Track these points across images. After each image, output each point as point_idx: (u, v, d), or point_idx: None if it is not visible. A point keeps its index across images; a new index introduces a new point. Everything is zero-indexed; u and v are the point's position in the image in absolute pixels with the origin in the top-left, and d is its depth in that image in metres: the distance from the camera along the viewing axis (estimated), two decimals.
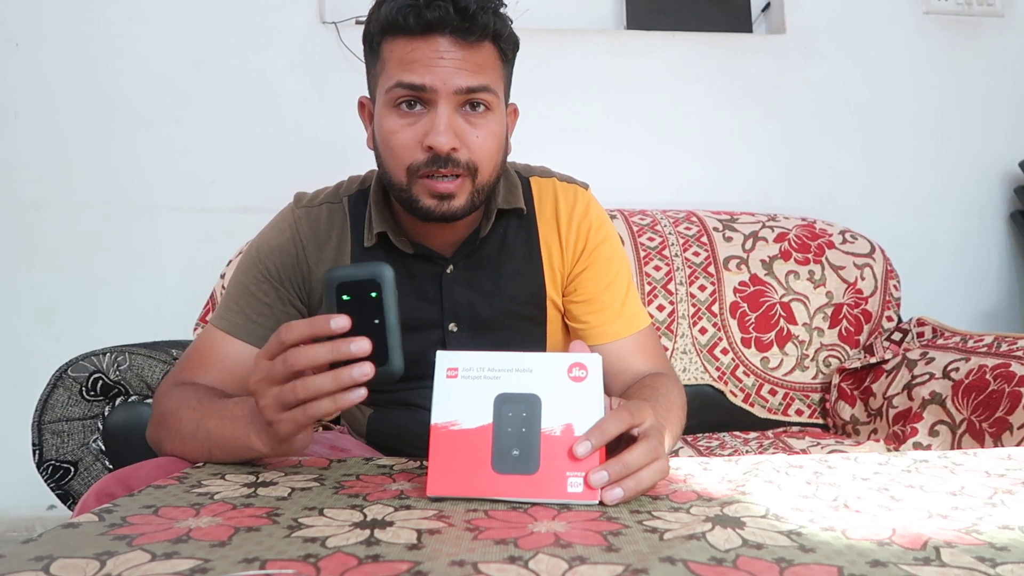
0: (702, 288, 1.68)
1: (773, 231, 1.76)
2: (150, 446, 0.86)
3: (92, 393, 1.07)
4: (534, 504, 0.61)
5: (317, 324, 0.63)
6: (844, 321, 1.69)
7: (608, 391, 0.92)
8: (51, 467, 1.06)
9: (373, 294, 0.64)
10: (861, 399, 1.55)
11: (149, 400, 1.10)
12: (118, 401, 1.08)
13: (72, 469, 1.07)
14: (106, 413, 1.08)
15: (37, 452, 1.06)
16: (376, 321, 0.64)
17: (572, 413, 0.63)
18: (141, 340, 1.24)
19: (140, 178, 1.91)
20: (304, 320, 0.64)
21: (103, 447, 1.07)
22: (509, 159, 1.04)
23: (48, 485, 1.07)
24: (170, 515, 0.58)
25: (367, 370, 0.63)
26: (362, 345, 0.62)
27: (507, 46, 0.88)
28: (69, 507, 1.08)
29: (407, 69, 0.83)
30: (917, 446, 1.31)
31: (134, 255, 1.91)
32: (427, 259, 0.96)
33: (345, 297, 0.64)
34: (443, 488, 0.62)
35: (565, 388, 0.64)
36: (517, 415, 0.63)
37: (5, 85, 1.88)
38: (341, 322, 0.63)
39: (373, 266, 0.65)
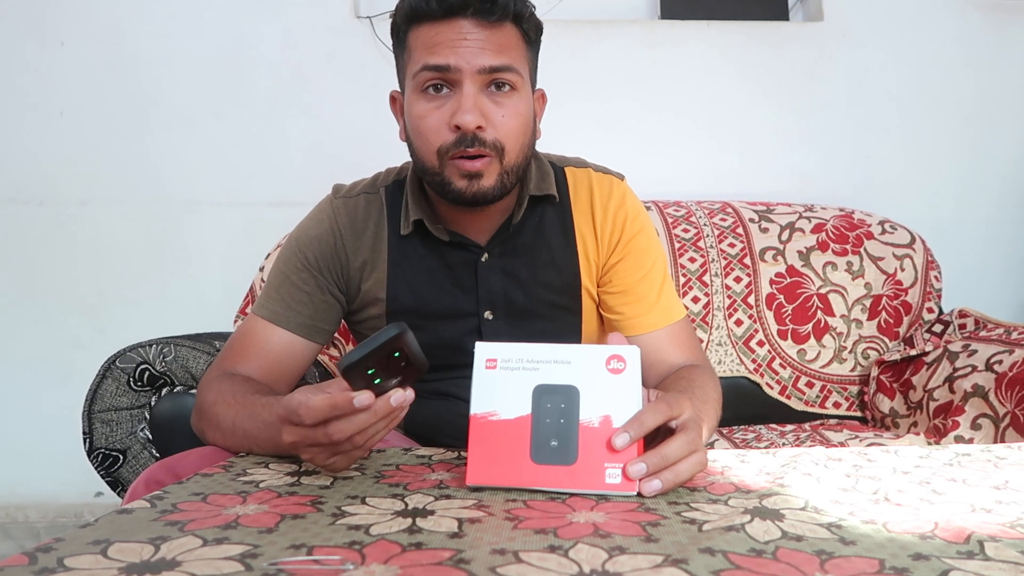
0: (738, 280, 1.67)
1: (810, 222, 1.74)
2: (195, 434, 0.88)
3: (139, 383, 1.10)
4: (572, 495, 0.61)
5: (340, 406, 0.62)
6: (883, 313, 1.66)
7: (643, 383, 0.92)
8: (101, 455, 1.09)
9: (396, 354, 0.63)
10: (901, 392, 1.53)
11: (193, 390, 1.12)
12: (164, 391, 1.11)
13: (121, 457, 1.10)
14: (152, 403, 1.11)
15: (87, 440, 1.09)
16: (403, 364, 0.64)
17: (610, 405, 0.63)
18: (182, 332, 1.27)
19: (181, 173, 1.95)
20: (325, 401, 0.63)
21: (150, 436, 1.10)
22: (543, 149, 1.05)
23: (98, 472, 1.11)
24: (218, 502, 0.60)
25: (410, 396, 0.64)
26: (363, 399, 0.61)
27: (529, 27, 0.90)
28: (119, 494, 1.12)
29: (432, 52, 0.85)
30: (959, 440, 1.29)
31: (175, 249, 1.95)
32: (462, 247, 0.97)
33: (371, 371, 0.62)
34: (482, 478, 0.63)
35: (603, 380, 0.64)
36: (556, 406, 0.64)
37: (51, 84, 1.93)
38: (364, 400, 0.61)
39: (385, 334, 0.62)
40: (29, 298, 1.93)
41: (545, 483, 0.62)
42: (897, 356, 1.56)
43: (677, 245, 1.68)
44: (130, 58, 1.93)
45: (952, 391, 1.37)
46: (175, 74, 1.94)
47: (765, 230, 1.72)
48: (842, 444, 1.38)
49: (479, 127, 0.85)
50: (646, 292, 0.98)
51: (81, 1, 1.93)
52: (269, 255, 1.63)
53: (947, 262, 1.81)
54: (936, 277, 1.70)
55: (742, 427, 1.57)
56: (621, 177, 1.03)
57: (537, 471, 0.62)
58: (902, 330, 1.66)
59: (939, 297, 1.69)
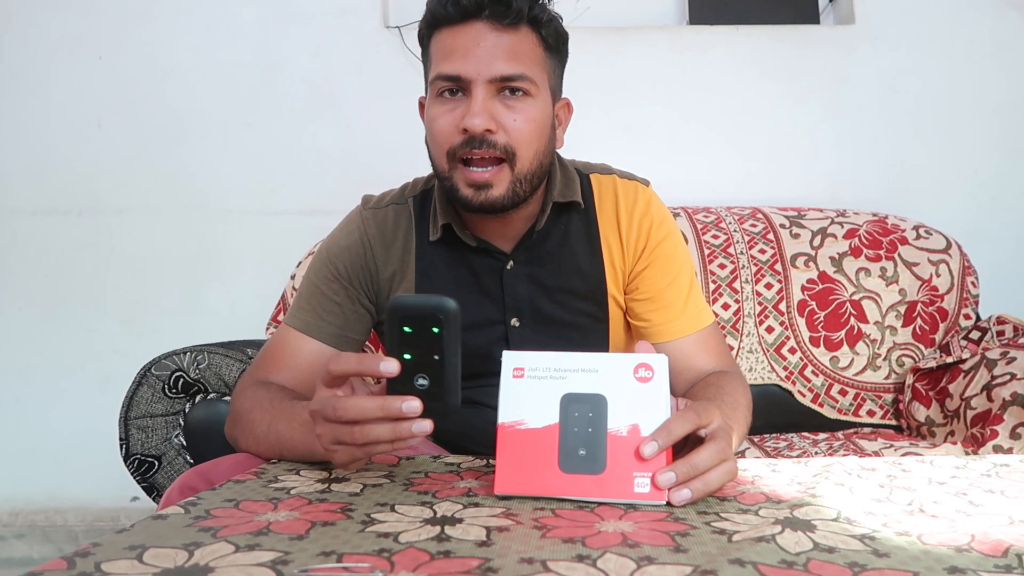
0: (768, 286, 1.65)
1: (843, 227, 1.72)
2: (228, 441, 0.90)
3: (174, 391, 1.12)
4: (600, 504, 0.61)
5: (366, 363, 0.64)
6: (918, 319, 1.63)
7: (672, 390, 0.92)
8: (137, 460, 1.11)
9: (435, 329, 0.63)
10: (937, 400, 1.50)
11: (227, 398, 1.14)
12: (198, 398, 1.13)
13: (156, 463, 1.12)
14: (187, 410, 1.13)
15: (124, 446, 1.11)
16: (436, 357, 0.63)
17: (638, 414, 0.63)
18: (216, 339, 1.29)
19: (214, 183, 1.98)
20: (354, 355, 0.65)
21: (184, 442, 1.12)
22: (568, 156, 1.05)
23: (134, 478, 1.13)
24: (250, 508, 0.61)
25: (427, 427, 0.63)
26: (413, 405, 0.62)
27: (548, 33, 0.90)
28: (153, 499, 1.14)
29: (446, 60, 0.87)
30: (997, 449, 1.26)
31: (209, 257, 1.98)
32: (488, 254, 0.97)
33: (407, 329, 0.63)
34: (510, 487, 0.63)
35: (631, 389, 0.64)
36: (583, 415, 0.64)
37: (90, 95, 1.97)
38: (391, 367, 0.62)
39: (438, 300, 0.63)
40: (68, 306, 1.98)
41: (573, 492, 0.62)
42: (933, 363, 1.53)
43: (707, 251, 1.67)
44: (165, 70, 1.98)
45: (990, 399, 1.34)
46: (209, 85, 1.98)
47: (796, 236, 1.70)
48: (876, 453, 1.36)
49: (488, 130, 0.86)
50: (673, 299, 0.97)
51: (118, 15, 1.97)
52: (301, 263, 1.65)
53: (984, 267, 1.77)
54: (973, 283, 1.66)
55: (773, 435, 1.55)
56: (646, 183, 1.03)
57: (565, 480, 0.62)
58: (938, 337, 1.63)
59: (976, 303, 1.66)
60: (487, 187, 0.87)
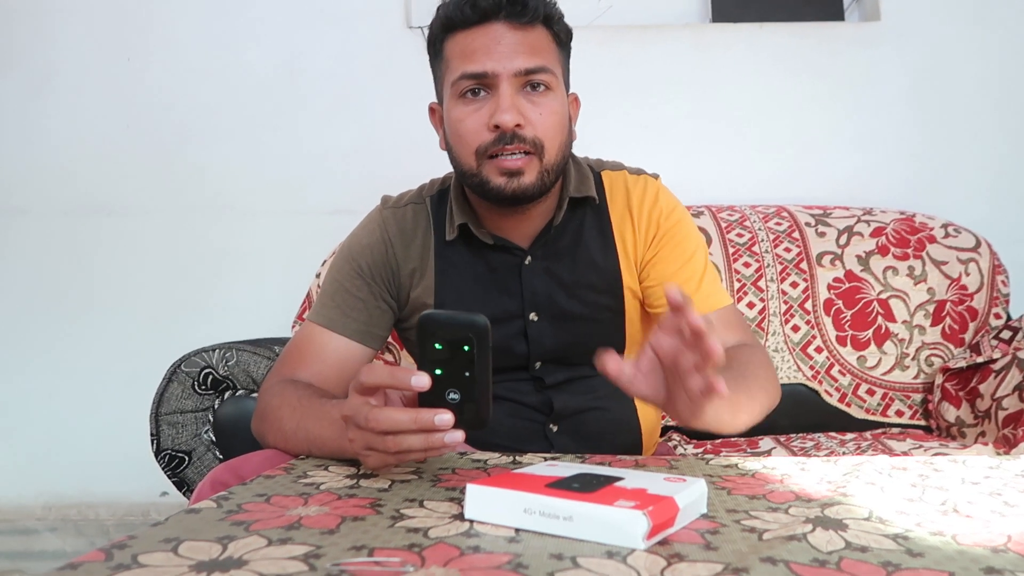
0: (794, 285, 1.63)
1: (869, 225, 1.70)
2: (255, 437, 0.91)
3: (203, 387, 1.13)
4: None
5: (398, 376, 0.65)
6: (947, 319, 1.61)
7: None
8: (168, 456, 1.13)
9: (466, 347, 0.63)
10: (967, 400, 1.48)
11: (254, 394, 1.15)
12: (226, 395, 1.15)
13: (186, 458, 1.13)
14: (216, 406, 1.14)
15: (155, 442, 1.13)
16: (467, 373, 0.63)
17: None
18: (242, 337, 1.30)
19: (241, 183, 2.00)
20: (386, 368, 0.66)
21: (213, 438, 1.14)
22: (581, 153, 1.06)
23: (165, 473, 1.15)
24: (281, 503, 0.62)
25: (459, 438, 0.64)
26: (445, 418, 0.63)
27: (560, 29, 0.94)
28: (184, 494, 1.15)
29: (469, 59, 0.89)
30: None
31: (235, 256, 2.00)
32: (506, 250, 0.99)
33: (437, 346, 0.63)
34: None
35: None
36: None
37: (118, 97, 2.00)
38: (422, 382, 0.63)
39: (469, 318, 0.63)
40: (98, 304, 2.00)
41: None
42: (963, 363, 1.51)
43: (731, 250, 1.66)
44: (191, 72, 2.00)
45: (1022, 400, 1.32)
46: (234, 86, 2.00)
47: (822, 234, 1.68)
48: (906, 453, 1.34)
49: (518, 125, 0.88)
50: (686, 280, 0.97)
51: (145, 18, 2.00)
52: (325, 262, 1.66)
53: (1014, 266, 1.74)
54: (1003, 282, 1.64)
55: (800, 435, 1.53)
56: (655, 176, 1.05)
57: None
58: (968, 336, 1.61)
59: (1007, 302, 1.63)
60: (519, 174, 0.89)
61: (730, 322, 0.97)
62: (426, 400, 0.64)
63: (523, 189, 0.90)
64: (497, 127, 0.87)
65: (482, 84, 0.89)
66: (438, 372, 0.64)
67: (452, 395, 0.64)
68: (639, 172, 1.05)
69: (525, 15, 0.88)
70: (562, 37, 0.94)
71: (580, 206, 1.01)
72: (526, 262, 0.99)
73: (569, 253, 1.00)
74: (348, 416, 0.68)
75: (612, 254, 1.00)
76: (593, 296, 1.00)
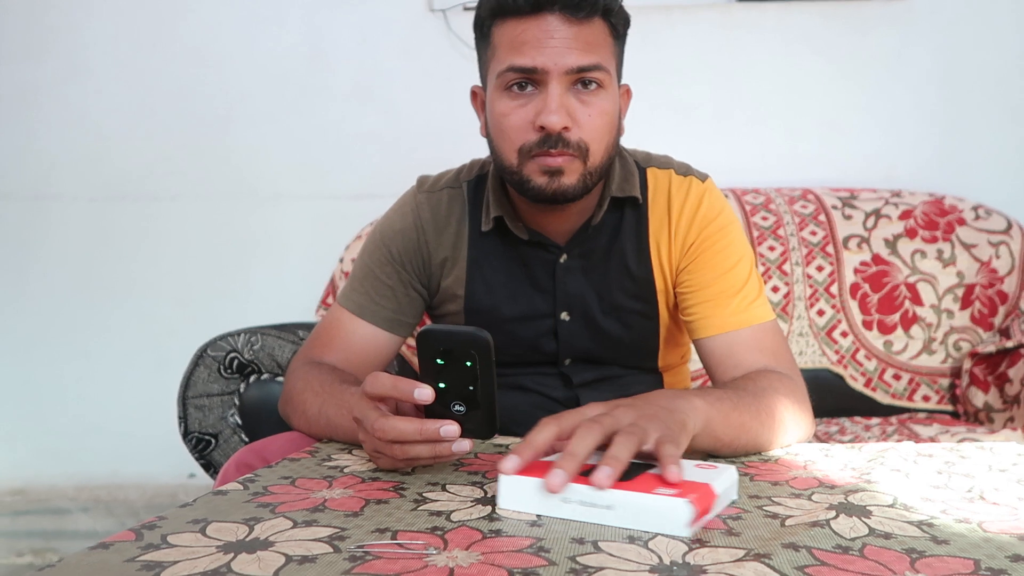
0: (820, 268, 1.62)
1: (897, 208, 1.67)
2: (282, 418, 0.92)
3: (229, 371, 1.15)
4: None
5: (401, 388, 0.64)
6: (976, 302, 1.59)
7: (714, 385, 0.91)
8: (195, 438, 1.15)
9: (468, 363, 0.62)
10: (996, 385, 1.46)
11: (279, 378, 1.17)
12: (252, 379, 1.16)
13: (213, 440, 1.15)
14: (242, 390, 1.16)
15: (183, 424, 1.15)
16: (471, 388, 0.63)
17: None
18: (267, 321, 1.32)
19: (264, 168, 2.01)
20: (389, 379, 0.65)
21: (239, 421, 1.15)
22: (624, 143, 1.03)
23: (192, 455, 1.16)
24: (306, 486, 0.63)
25: (466, 447, 0.64)
26: (450, 430, 0.62)
27: (618, 22, 0.87)
28: (211, 476, 1.17)
29: (518, 52, 0.83)
30: None
31: (259, 241, 2.02)
32: (541, 247, 0.96)
33: (439, 361, 0.63)
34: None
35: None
36: None
37: (141, 84, 2.02)
38: (425, 395, 0.62)
39: (470, 334, 0.62)
40: (124, 289, 2.03)
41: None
42: (992, 348, 1.49)
43: (756, 233, 1.64)
44: (215, 58, 2.01)
45: None
46: (258, 72, 2.01)
47: (849, 217, 1.66)
48: (932, 439, 1.33)
49: (565, 128, 0.83)
50: (719, 292, 0.93)
51: (171, 4, 2.01)
52: (349, 246, 1.67)
53: None
54: None
55: (824, 420, 1.52)
56: (704, 177, 0.99)
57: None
58: (997, 321, 1.58)
59: None
60: (560, 173, 0.85)
61: (760, 344, 0.90)
62: (432, 411, 0.64)
63: (563, 190, 0.86)
64: (543, 128, 0.83)
65: (530, 79, 0.84)
66: (441, 385, 0.63)
67: (457, 407, 0.64)
68: (687, 172, 0.98)
69: (583, 9, 0.82)
70: (619, 29, 0.88)
71: (621, 205, 0.96)
72: (561, 260, 0.96)
73: (604, 254, 0.97)
74: (358, 419, 0.68)
75: (646, 259, 0.96)
76: (626, 300, 0.97)
